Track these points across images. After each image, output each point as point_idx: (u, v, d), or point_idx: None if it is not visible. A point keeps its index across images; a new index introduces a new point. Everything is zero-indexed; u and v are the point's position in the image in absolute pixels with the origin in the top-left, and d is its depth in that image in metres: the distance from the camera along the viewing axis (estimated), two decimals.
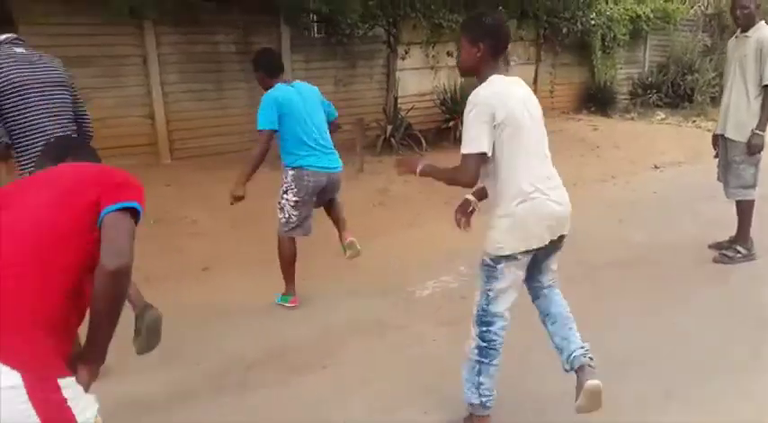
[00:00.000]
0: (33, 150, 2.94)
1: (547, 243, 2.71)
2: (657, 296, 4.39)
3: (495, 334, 2.75)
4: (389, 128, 9.09)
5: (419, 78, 10.34)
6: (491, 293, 2.72)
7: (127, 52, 7.57)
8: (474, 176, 2.58)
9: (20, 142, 2.99)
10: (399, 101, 9.89)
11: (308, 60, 9.10)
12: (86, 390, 1.77)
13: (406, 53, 9.96)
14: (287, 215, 4.18)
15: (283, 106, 4.03)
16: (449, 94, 9.97)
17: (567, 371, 2.81)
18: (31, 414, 1.59)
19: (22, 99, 2.94)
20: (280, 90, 4.08)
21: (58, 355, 1.68)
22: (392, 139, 9.03)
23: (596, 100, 12.84)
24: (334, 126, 4.43)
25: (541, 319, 2.94)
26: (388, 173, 7.78)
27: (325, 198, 4.39)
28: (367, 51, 9.66)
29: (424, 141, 9.18)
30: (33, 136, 2.98)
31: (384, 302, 4.30)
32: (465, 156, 2.57)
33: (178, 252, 5.24)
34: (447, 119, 9.81)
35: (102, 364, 1.83)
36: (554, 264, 2.90)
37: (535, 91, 12.43)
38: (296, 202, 4.14)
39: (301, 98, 4.15)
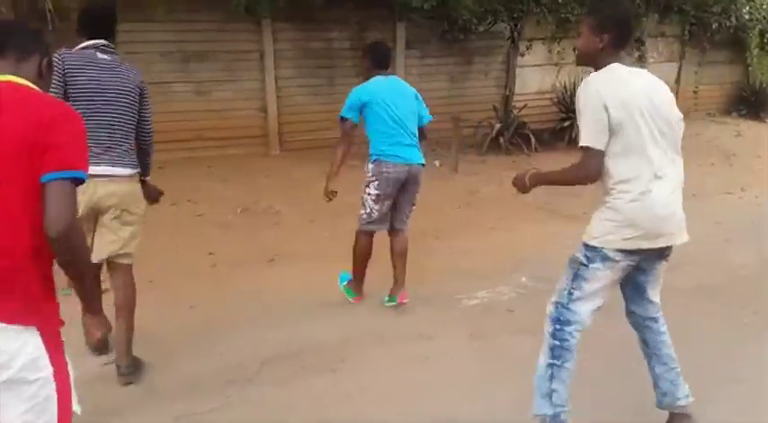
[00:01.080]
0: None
1: (652, 247, 2.54)
2: (738, 334, 3.93)
3: (570, 334, 2.59)
4: (497, 126, 8.85)
5: (540, 75, 9.96)
6: (575, 293, 2.58)
7: (245, 48, 8.00)
8: (596, 173, 2.49)
9: None
10: (516, 98, 9.60)
11: (423, 56, 9.09)
12: (98, 330, 2.12)
13: (528, 49, 9.64)
14: (368, 210, 4.15)
15: (370, 95, 4.05)
16: (568, 93, 9.50)
17: (659, 407, 2.82)
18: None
19: (85, 102, 3.09)
20: (371, 82, 4.13)
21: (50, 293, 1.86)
22: (500, 138, 8.79)
23: (749, 103, 11.66)
24: (422, 133, 4.29)
25: (644, 353, 2.85)
26: (487, 173, 7.63)
27: (405, 195, 4.23)
28: (485, 47, 9.46)
29: (534, 141, 8.84)
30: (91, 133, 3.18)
31: (424, 309, 4.23)
32: (584, 150, 2.48)
33: (253, 241, 5.50)
34: (563, 118, 9.37)
35: (99, 310, 2.10)
36: (657, 283, 2.75)
37: (677, 91, 11.74)
38: (377, 195, 4.10)
39: (391, 91, 4.11)
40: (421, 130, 4.27)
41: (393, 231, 4.35)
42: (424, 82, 9.10)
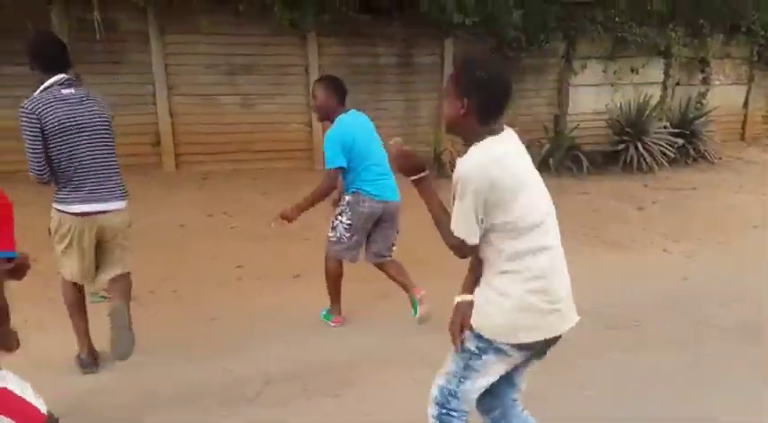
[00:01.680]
0: (72, 188, 3.19)
1: (549, 338, 2.19)
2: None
3: (459, 419, 2.30)
4: (547, 147, 8.58)
5: (595, 95, 9.64)
6: (465, 384, 2.25)
7: (290, 62, 8.02)
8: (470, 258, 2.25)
9: (60, 180, 3.19)
10: (569, 119, 9.33)
11: None
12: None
13: (582, 68, 9.35)
14: (338, 234, 4.09)
15: (352, 136, 3.95)
16: (623, 114, 9.15)
17: None
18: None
19: (64, 140, 3.13)
20: (345, 121, 4.00)
21: None
22: (550, 160, 8.51)
23: None
24: None
25: None
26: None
27: (379, 231, 4.16)
28: (537, 65, 9.22)
29: (586, 163, 8.52)
30: (73, 175, 3.18)
31: (438, 336, 4.00)
32: (458, 240, 2.15)
33: (282, 256, 5.43)
34: (617, 141, 9.02)
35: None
36: (524, 378, 2.39)
37: (744, 115, 11.16)
38: (349, 225, 4.04)
39: (362, 128, 4.06)
40: None
41: (379, 260, 4.22)
42: None
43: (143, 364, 3.50)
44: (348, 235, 4.06)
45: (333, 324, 4.22)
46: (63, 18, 6.88)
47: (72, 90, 3.19)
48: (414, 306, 4.13)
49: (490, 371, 2.22)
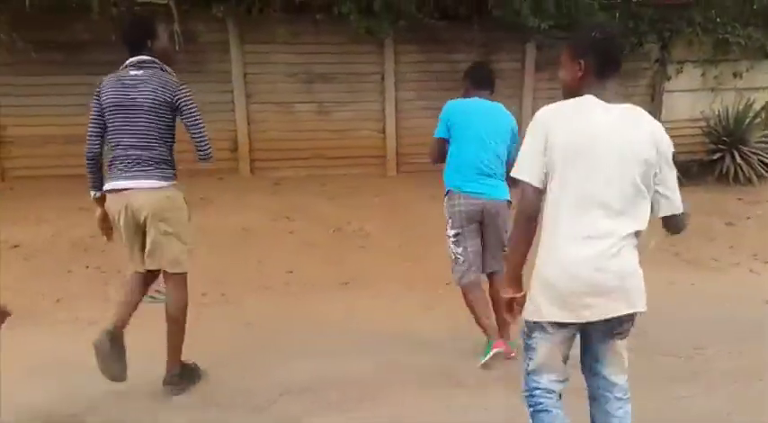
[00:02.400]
0: (112, 166, 3.30)
1: (586, 321, 2.21)
2: None
3: (541, 396, 2.34)
4: None
5: (692, 101, 8.99)
6: (530, 364, 2.36)
7: (367, 70, 8.05)
8: (531, 205, 2.21)
9: (107, 159, 3.35)
10: (663, 126, 8.73)
11: (554, 78, 8.55)
12: None
13: (678, 72, 8.76)
14: (454, 256, 3.80)
15: (455, 116, 3.80)
16: (722, 122, 8.48)
17: None
18: None
19: (111, 119, 3.27)
20: (461, 102, 3.88)
21: None
22: None
23: None
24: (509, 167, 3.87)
25: None
26: None
27: (487, 235, 3.83)
28: (628, 70, 8.72)
29: (677, 173, 7.92)
30: (114, 154, 3.29)
31: (472, 353, 3.88)
32: (519, 182, 2.26)
33: (334, 263, 5.44)
34: (713, 150, 8.36)
35: None
36: (617, 358, 2.38)
37: None
38: (455, 235, 3.77)
39: (481, 115, 3.79)
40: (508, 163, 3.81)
41: (489, 275, 3.95)
42: None
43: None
44: (460, 250, 3.75)
45: (493, 351, 3.66)
46: None
47: (140, 72, 3.26)
48: (486, 351, 3.72)
49: (540, 348, 2.29)
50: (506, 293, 2.34)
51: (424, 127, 8.18)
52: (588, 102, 2.22)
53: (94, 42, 6.88)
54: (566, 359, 2.34)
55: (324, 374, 3.60)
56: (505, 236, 3.75)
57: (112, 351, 3.21)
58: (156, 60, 3.33)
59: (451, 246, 3.80)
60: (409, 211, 6.68)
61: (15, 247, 5.59)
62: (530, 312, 2.28)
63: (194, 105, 3.33)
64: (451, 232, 3.77)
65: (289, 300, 4.77)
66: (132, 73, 3.28)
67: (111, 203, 3.31)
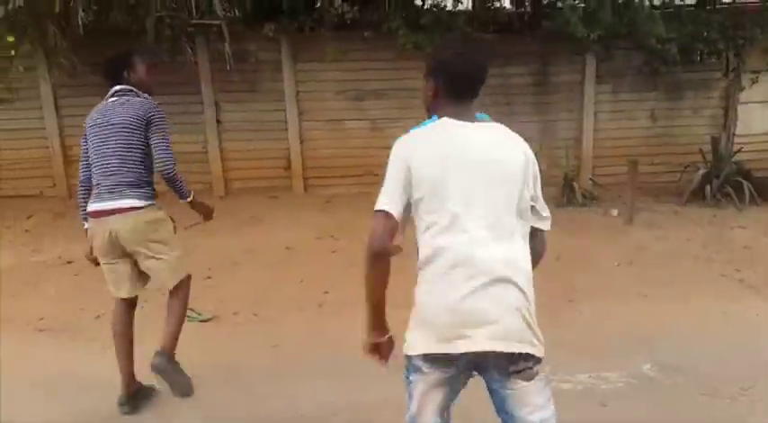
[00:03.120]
0: (95, 189, 3.37)
1: (463, 352, 1.92)
2: None
3: None
4: (700, 172, 7.60)
5: None
6: (412, 406, 2.07)
7: (418, 85, 7.88)
8: (379, 240, 1.92)
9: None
10: (737, 140, 8.20)
11: (617, 91, 8.23)
12: None
13: (753, 82, 8.21)
14: None
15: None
16: None
17: None
18: None
19: (91, 143, 3.38)
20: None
21: None
22: (707, 188, 7.54)
23: None
24: None
25: None
26: (673, 227, 6.61)
27: None
28: (696, 81, 8.26)
29: (750, 192, 7.42)
30: (96, 178, 3.36)
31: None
32: (375, 214, 1.99)
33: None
34: None
35: None
36: (530, 397, 2.01)
37: None
38: None
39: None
40: None
41: None
42: (617, 120, 8.28)
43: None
44: None
45: None
46: (204, 50, 7.44)
47: (117, 98, 3.41)
48: None
49: (415, 389, 2.03)
50: (371, 338, 2.10)
51: None
52: (446, 125, 2.04)
53: (149, 64, 7.09)
54: (443, 410, 2.06)
55: (334, 401, 3.49)
56: None
57: (173, 368, 3.47)
58: (133, 89, 3.45)
59: None
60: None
61: (68, 262, 5.78)
62: (405, 346, 2.02)
63: (164, 124, 3.41)
64: None
65: (320, 321, 4.69)
66: (110, 100, 3.43)
67: (95, 226, 3.35)
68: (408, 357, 2.02)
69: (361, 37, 7.44)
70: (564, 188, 7.53)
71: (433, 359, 1.96)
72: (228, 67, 7.04)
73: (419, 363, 1.98)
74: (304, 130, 7.84)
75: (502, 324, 1.92)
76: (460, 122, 2.04)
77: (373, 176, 7.90)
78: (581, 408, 3.43)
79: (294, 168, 7.87)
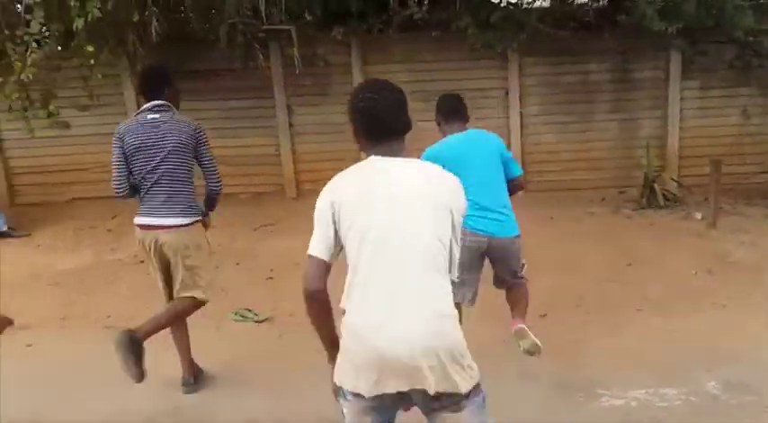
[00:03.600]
0: (142, 203, 3.53)
1: (384, 393, 1.93)
2: None
3: None
4: None
5: None
6: None
7: (490, 85, 7.77)
8: (311, 282, 2.01)
9: (139, 196, 3.56)
10: None
11: (705, 87, 7.72)
12: None
13: None
14: None
15: (441, 161, 3.69)
16: None
17: None
18: None
19: (135, 161, 3.48)
20: (443, 144, 3.81)
21: None
22: None
23: None
24: (513, 186, 3.87)
25: None
26: (762, 233, 6.12)
27: (497, 264, 3.84)
28: None
29: None
30: (143, 191, 3.50)
31: (548, 398, 3.48)
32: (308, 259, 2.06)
33: None
34: None
35: None
36: None
37: None
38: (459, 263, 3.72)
39: (467, 151, 3.72)
40: (513, 183, 3.85)
41: (505, 284, 3.93)
42: (705, 118, 7.77)
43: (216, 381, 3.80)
44: (456, 273, 3.73)
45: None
46: (277, 55, 7.58)
47: (157, 115, 3.49)
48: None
49: (347, 416, 2.04)
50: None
51: (551, 143, 7.82)
52: (371, 164, 2.05)
53: (223, 69, 7.34)
54: None
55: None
56: (517, 264, 3.84)
57: (134, 350, 3.41)
58: (170, 104, 3.54)
59: None
60: (531, 233, 6.26)
61: (142, 262, 6.02)
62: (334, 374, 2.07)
63: (208, 144, 3.60)
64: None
65: None
66: (150, 117, 3.49)
67: (142, 236, 3.54)
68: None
69: (430, 37, 7.35)
70: (644, 190, 7.14)
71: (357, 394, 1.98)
72: (297, 72, 7.14)
73: (346, 392, 2.01)
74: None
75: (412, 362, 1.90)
76: (387, 159, 2.04)
77: None
78: None
79: None
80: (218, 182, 3.65)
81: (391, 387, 1.92)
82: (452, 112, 3.96)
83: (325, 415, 3.37)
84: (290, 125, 7.88)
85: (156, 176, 3.46)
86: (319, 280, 1.99)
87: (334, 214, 2.00)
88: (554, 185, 7.77)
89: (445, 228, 2.00)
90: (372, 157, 2.06)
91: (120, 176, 3.51)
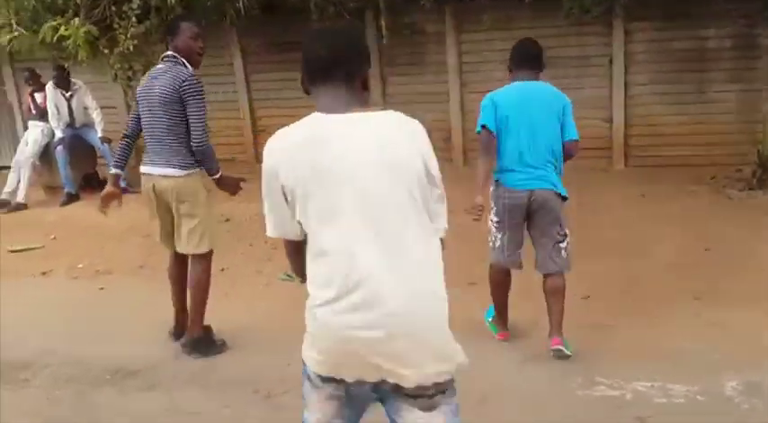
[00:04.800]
0: (144, 154, 3.79)
1: (356, 380, 1.75)
2: None
3: None
4: None
5: None
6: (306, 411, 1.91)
7: (592, 52, 7.30)
8: (289, 253, 1.94)
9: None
10: None
11: None
12: None
13: None
14: (492, 237, 3.73)
15: (499, 108, 3.55)
16: None
17: None
18: None
19: (139, 110, 3.75)
20: (502, 89, 3.64)
21: None
22: None
23: None
24: (567, 150, 3.64)
25: None
26: None
27: (535, 229, 3.65)
28: None
29: None
30: (144, 137, 3.78)
31: (537, 380, 3.35)
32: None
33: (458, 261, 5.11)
34: None
35: None
36: None
37: None
38: (498, 222, 3.67)
39: (524, 101, 3.53)
40: (567, 145, 3.61)
41: (543, 276, 3.70)
42: None
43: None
44: (500, 235, 3.68)
45: (497, 337, 3.89)
46: (372, 26, 7.65)
47: (161, 66, 3.69)
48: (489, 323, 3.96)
49: (309, 398, 1.87)
50: None
51: (659, 115, 7.26)
52: (314, 121, 1.80)
53: None
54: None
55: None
56: (558, 230, 3.61)
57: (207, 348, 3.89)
58: (176, 55, 3.65)
59: (492, 229, 3.71)
60: (612, 211, 5.93)
61: (227, 220, 6.47)
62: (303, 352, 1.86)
63: (199, 97, 3.57)
64: (494, 218, 3.69)
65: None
66: (158, 66, 3.72)
67: (143, 182, 3.80)
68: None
69: (525, 2, 7.02)
70: (757, 169, 6.38)
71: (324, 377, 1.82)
72: (384, 42, 7.18)
73: (311, 374, 1.85)
74: (466, 102, 7.68)
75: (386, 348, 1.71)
76: (329, 120, 1.79)
77: None
78: (610, 419, 3.02)
79: (455, 141, 7.81)
80: (199, 138, 3.58)
81: (352, 375, 1.75)
82: (523, 58, 3.67)
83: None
84: (384, 95, 7.96)
85: (150, 127, 3.69)
86: (294, 254, 1.93)
87: (281, 186, 1.79)
88: (659, 161, 7.19)
89: (409, 185, 1.75)
90: (314, 115, 1.81)
91: (131, 120, 3.84)
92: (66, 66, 7.18)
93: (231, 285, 4.96)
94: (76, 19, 6.11)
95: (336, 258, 1.72)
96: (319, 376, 1.81)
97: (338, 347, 1.74)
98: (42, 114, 7.69)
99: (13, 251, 6.11)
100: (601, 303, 4.30)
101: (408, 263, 1.72)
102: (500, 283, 3.79)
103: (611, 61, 7.22)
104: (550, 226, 3.60)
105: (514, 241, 3.66)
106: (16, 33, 6.56)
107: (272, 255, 5.56)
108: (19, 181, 7.57)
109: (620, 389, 3.26)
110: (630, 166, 7.34)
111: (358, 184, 1.73)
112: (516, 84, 3.61)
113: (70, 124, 7.64)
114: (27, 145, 7.76)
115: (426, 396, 1.74)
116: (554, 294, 3.61)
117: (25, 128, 8.31)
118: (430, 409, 1.75)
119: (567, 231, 3.66)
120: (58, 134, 7.53)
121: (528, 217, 3.61)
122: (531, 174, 3.52)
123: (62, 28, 6.10)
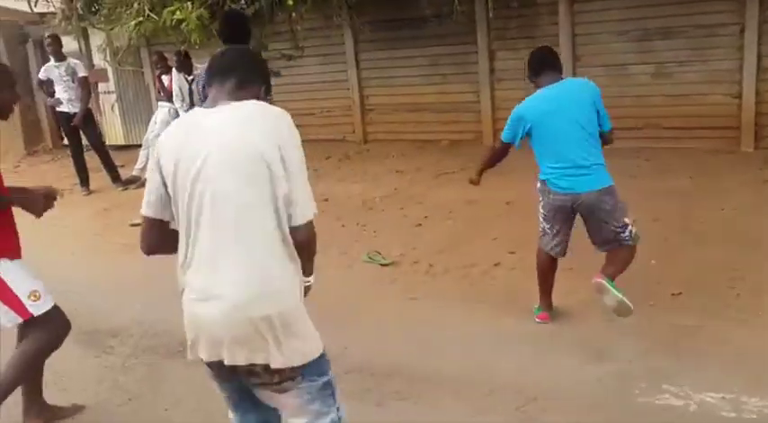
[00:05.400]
0: None
1: (216, 360, 1.91)
2: None
3: None
4: None
5: None
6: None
7: (720, 20, 6.60)
8: (146, 245, 2.06)
9: None
10: None
11: None
12: None
13: None
14: (541, 225, 3.82)
15: (529, 120, 3.63)
16: None
17: None
18: None
19: None
20: (531, 99, 3.69)
21: None
22: None
23: None
24: (605, 140, 3.74)
25: None
26: None
27: (589, 224, 3.68)
28: None
29: None
30: None
31: (598, 381, 3.16)
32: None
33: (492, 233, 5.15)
34: None
35: None
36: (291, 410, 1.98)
37: None
38: (545, 215, 3.75)
39: (556, 104, 3.57)
40: (603, 135, 3.71)
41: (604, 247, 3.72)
42: None
43: None
44: (548, 226, 3.76)
45: (537, 320, 3.90)
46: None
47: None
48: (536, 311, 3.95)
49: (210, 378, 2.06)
50: None
51: None
52: (192, 114, 2.01)
53: (428, 18, 7.48)
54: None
55: (408, 365, 3.50)
56: (614, 224, 3.57)
57: None
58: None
59: (541, 218, 3.80)
60: (730, 197, 5.41)
61: (325, 200, 6.62)
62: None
63: None
64: (542, 211, 3.77)
65: (483, 281, 4.57)
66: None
67: None
68: None
69: None
70: None
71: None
72: (490, 15, 6.92)
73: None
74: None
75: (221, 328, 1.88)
76: (206, 109, 1.97)
77: (656, 129, 6.99)
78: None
79: (484, 122, 7.57)
80: None
81: (208, 355, 1.90)
82: (541, 64, 3.75)
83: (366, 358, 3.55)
84: (491, 70, 7.73)
85: None
86: (155, 238, 2.05)
87: (160, 172, 1.94)
88: None
89: (267, 174, 1.84)
90: (197, 110, 2.05)
91: None
92: (183, 50, 7.61)
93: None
94: (189, 3, 6.41)
95: (203, 253, 1.91)
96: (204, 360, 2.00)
97: (198, 329, 1.96)
98: (169, 96, 8.25)
99: (133, 225, 6.62)
100: (693, 299, 3.97)
101: (255, 255, 1.86)
102: (546, 268, 3.85)
103: (742, 30, 6.50)
104: (604, 223, 3.59)
105: (561, 233, 3.73)
106: (141, 18, 6.99)
107: (367, 236, 5.64)
108: (148, 158, 8.19)
109: (686, 398, 2.99)
110: (761, 148, 6.61)
111: (224, 165, 1.85)
112: (544, 89, 3.65)
113: (191, 106, 8.13)
114: (156, 124, 8.35)
115: (273, 382, 1.92)
116: (617, 254, 3.63)
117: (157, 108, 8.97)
118: (282, 391, 1.94)
119: (628, 219, 3.61)
120: (182, 115, 8.06)
121: (580, 215, 3.68)
122: (574, 174, 3.54)
123: (177, 12, 6.42)
